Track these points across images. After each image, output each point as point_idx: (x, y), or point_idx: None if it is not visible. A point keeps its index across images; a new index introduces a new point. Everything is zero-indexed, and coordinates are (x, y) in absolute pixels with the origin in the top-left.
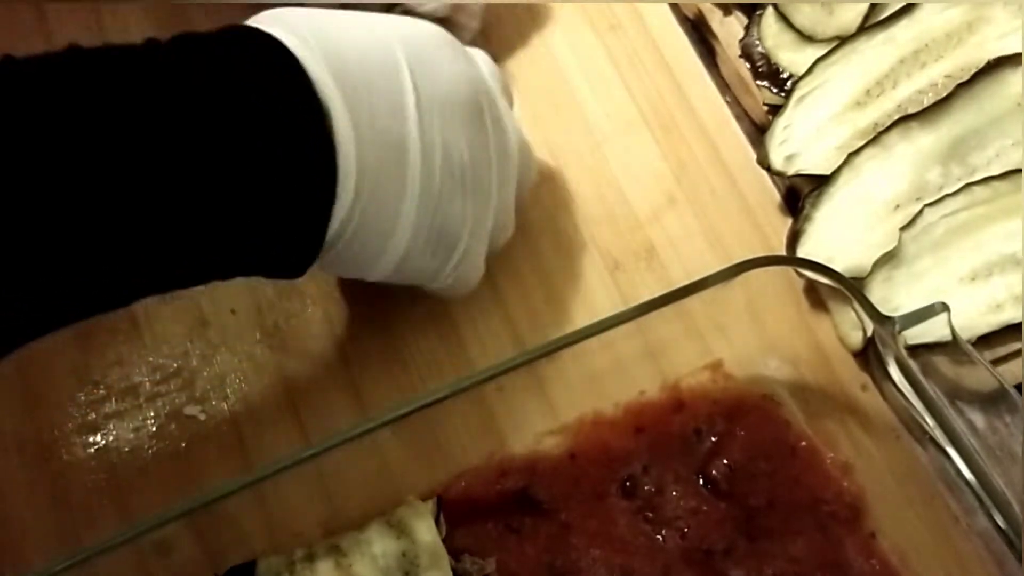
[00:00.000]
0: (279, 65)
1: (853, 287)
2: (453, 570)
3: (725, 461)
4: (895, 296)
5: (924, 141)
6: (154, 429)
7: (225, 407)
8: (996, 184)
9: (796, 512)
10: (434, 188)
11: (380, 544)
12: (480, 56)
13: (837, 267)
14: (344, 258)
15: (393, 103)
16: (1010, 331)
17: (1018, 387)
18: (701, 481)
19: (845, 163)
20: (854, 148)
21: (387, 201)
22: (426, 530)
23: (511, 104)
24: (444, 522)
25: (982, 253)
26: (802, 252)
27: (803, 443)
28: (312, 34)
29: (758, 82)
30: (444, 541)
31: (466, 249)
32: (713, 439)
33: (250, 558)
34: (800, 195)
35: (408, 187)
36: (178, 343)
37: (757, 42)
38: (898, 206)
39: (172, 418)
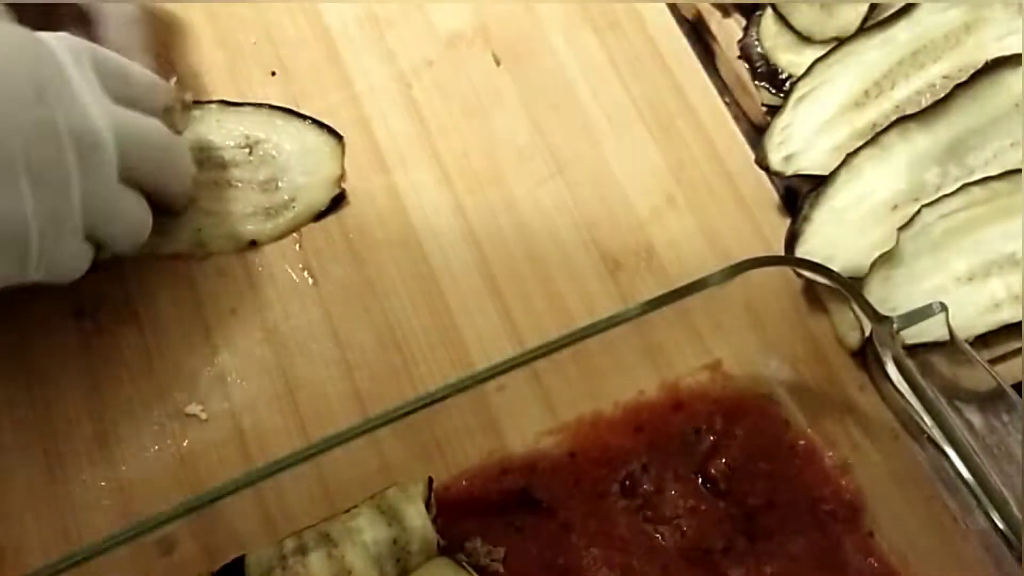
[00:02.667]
0: None
1: (851, 287)
2: (464, 552)
3: (724, 460)
4: (893, 296)
5: (922, 142)
6: (155, 428)
7: (226, 407)
8: (994, 184)
9: (795, 511)
10: None
11: (371, 532)
12: (62, 40)
13: (835, 267)
14: None
15: None
16: (1008, 331)
17: (1016, 386)
18: (700, 480)
19: (843, 163)
20: (852, 148)
21: None
22: (416, 515)
23: (146, 90)
24: (435, 504)
25: (980, 253)
26: (800, 252)
27: (802, 442)
28: None
29: (757, 83)
30: (440, 531)
31: (43, 245)
32: (712, 439)
33: None
34: (799, 195)
35: None
36: (179, 343)
37: (756, 43)
38: (896, 206)
39: (173, 417)
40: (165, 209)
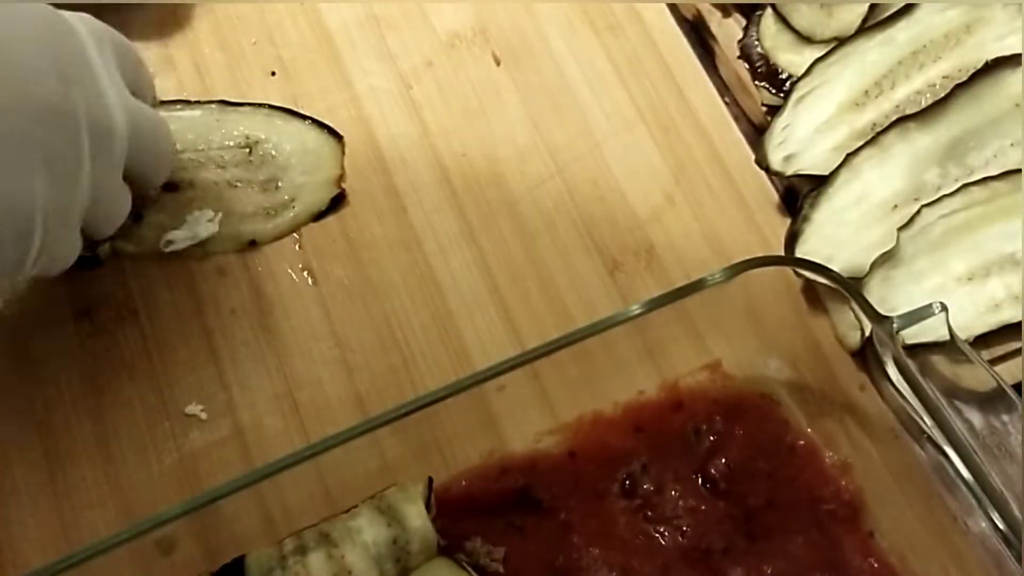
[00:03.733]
0: None
1: (851, 287)
2: (464, 552)
3: (724, 460)
4: (893, 296)
5: (922, 142)
6: (155, 428)
7: (226, 407)
8: (994, 184)
9: (795, 511)
10: None
11: (371, 532)
12: (84, 21)
13: (835, 267)
14: None
15: None
16: (1008, 331)
17: (1016, 386)
18: (700, 480)
19: (843, 163)
20: (852, 148)
21: None
22: (416, 515)
23: (147, 82)
24: (435, 504)
25: (980, 253)
26: (800, 252)
27: (802, 442)
28: None
29: (757, 83)
30: (440, 531)
31: (45, 234)
32: (712, 438)
33: None
34: (798, 195)
35: None
36: (179, 343)
37: (756, 43)
38: (896, 206)
39: (173, 417)
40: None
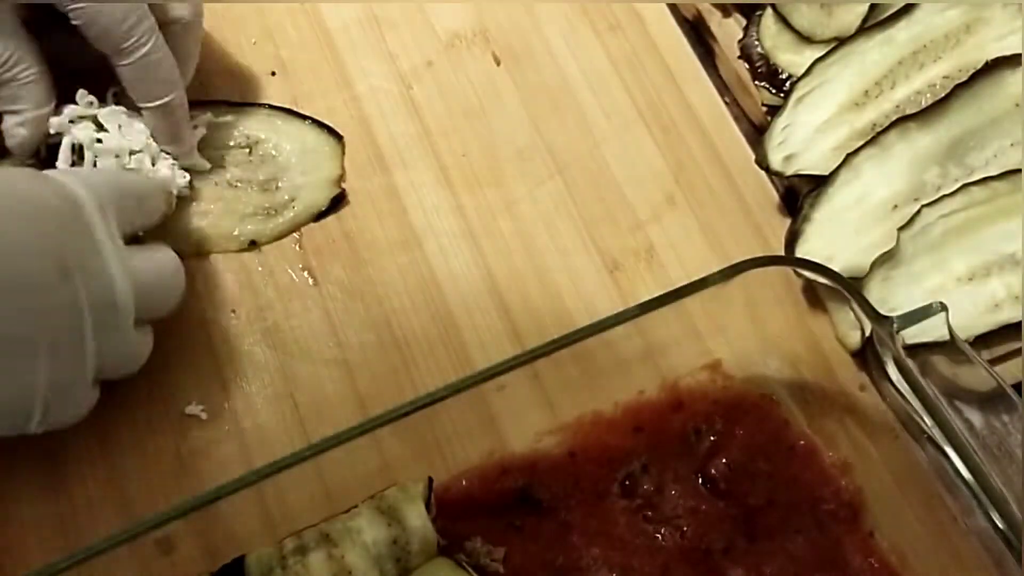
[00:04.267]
0: None
1: (851, 287)
2: (464, 552)
3: (724, 460)
4: (893, 296)
5: (922, 142)
6: (155, 428)
7: (226, 407)
8: (994, 184)
9: (795, 511)
10: None
11: (371, 532)
12: (89, 186)
13: (835, 267)
14: None
15: None
16: (1008, 331)
17: (1016, 386)
18: (700, 480)
19: (843, 163)
20: (852, 148)
21: None
22: (416, 515)
23: (153, 208)
24: (435, 504)
25: (980, 253)
26: (801, 252)
27: (802, 442)
28: None
29: (757, 83)
30: (440, 531)
31: (48, 408)
32: (712, 438)
33: None
34: (799, 195)
35: None
36: (179, 343)
37: (756, 43)
38: (896, 206)
39: (173, 417)
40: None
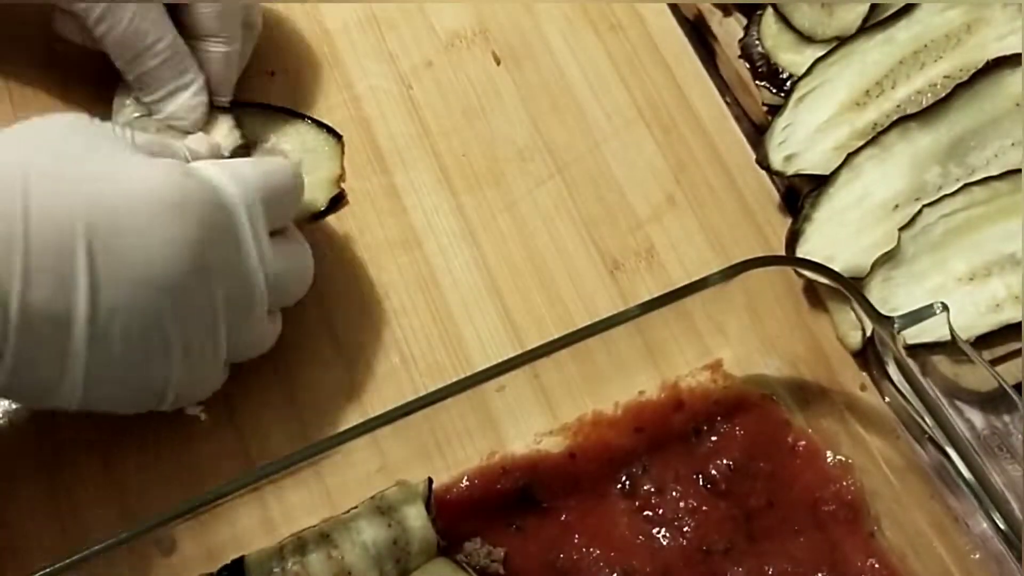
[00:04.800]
0: None
1: (852, 287)
2: (464, 552)
3: (725, 460)
4: (894, 296)
5: (923, 141)
6: (155, 428)
7: (226, 407)
8: (995, 184)
9: (795, 511)
10: (111, 355)
11: (371, 532)
12: (239, 182)
13: (836, 267)
14: (9, 397)
15: (59, 279)
16: (1009, 331)
17: (1017, 387)
18: (701, 480)
19: (844, 163)
20: (853, 148)
21: (44, 365)
22: (416, 516)
23: (295, 198)
24: (435, 504)
25: (981, 253)
26: (801, 252)
27: (802, 442)
28: None
29: (758, 82)
30: (440, 532)
31: (180, 392)
32: (713, 439)
33: None
34: (799, 195)
35: (71, 355)
36: None
37: (757, 42)
38: (897, 206)
39: (174, 418)
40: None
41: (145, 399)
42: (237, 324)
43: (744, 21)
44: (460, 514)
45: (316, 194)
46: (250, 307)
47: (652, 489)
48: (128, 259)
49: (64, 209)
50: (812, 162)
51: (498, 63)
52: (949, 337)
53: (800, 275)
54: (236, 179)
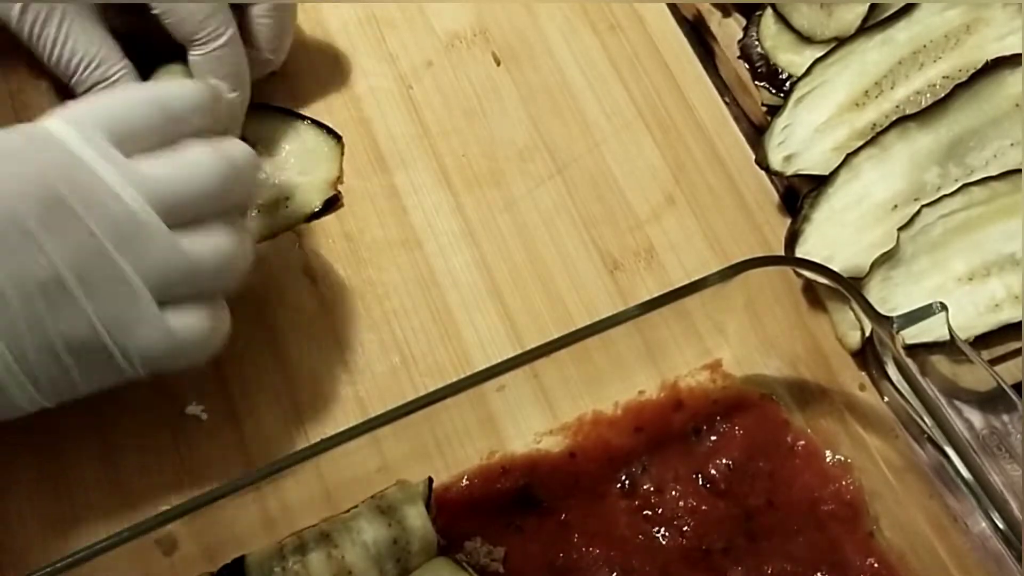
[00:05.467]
0: None
1: (851, 287)
2: (464, 552)
3: (724, 460)
4: (893, 296)
5: (922, 142)
6: (155, 428)
7: (226, 407)
8: (994, 184)
9: (795, 511)
10: (11, 316)
11: (371, 532)
12: (63, 115)
13: (835, 267)
14: None
15: None
16: (1008, 331)
17: (1016, 386)
18: (700, 480)
19: (843, 163)
20: (852, 148)
21: None
22: (416, 515)
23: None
24: (435, 504)
25: (980, 253)
26: (800, 252)
27: (802, 442)
28: None
29: (757, 83)
30: (440, 531)
31: (121, 343)
32: (712, 438)
33: None
34: (799, 195)
35: None
36: None
37: (756, 43)
38: (896, 206)
39: (174, 418)
40: None
41: (89, 358)
42: (136, 251)
43: (743, 22)
44: (460, 514)
45: (312, 195)
46: (136, 228)
47: (652, 489)
48: None
49: None
50: (811, 162)
51: (498, 63)
52: (948, 337)
53: (799, 275)
54: (66, 119)
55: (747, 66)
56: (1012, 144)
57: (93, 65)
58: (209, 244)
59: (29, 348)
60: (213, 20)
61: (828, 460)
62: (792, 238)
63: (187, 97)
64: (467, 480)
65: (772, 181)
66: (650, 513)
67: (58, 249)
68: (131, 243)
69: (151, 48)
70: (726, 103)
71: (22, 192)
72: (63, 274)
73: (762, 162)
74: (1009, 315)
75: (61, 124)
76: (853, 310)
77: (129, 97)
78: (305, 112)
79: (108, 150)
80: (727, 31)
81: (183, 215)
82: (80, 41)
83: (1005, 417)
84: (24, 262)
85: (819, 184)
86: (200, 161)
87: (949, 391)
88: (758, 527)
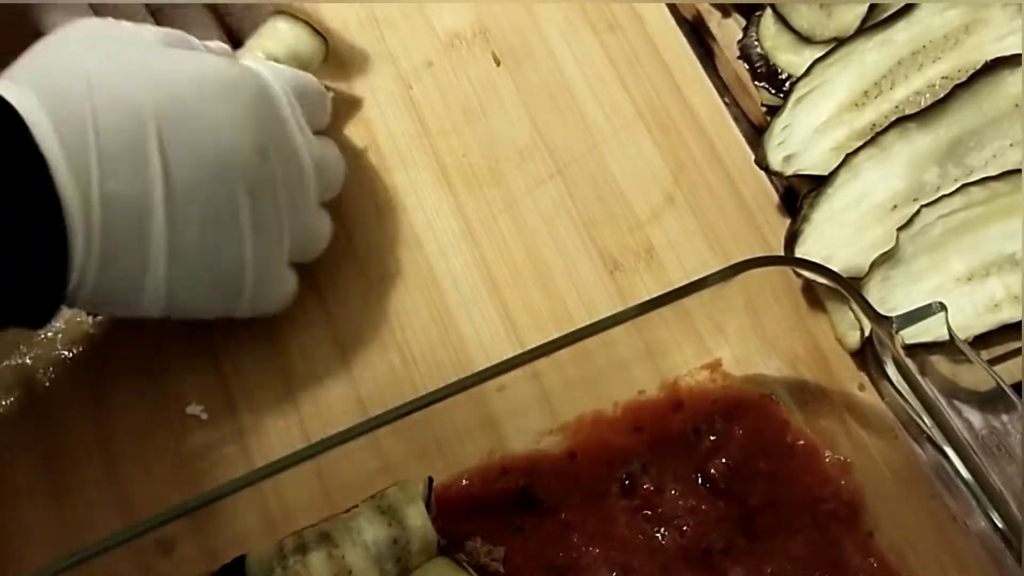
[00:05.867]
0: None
1: (851, 287)
2: (464, 552)
3: (724, 460)
4: (892, 296)
5: (922, 142)
6: (155, 428)
7: (226, 407)
8: (993, 185)
9: (794, 511)
10: (190, 241)
11: (371, 532)
12: (277, 76)
13: (835, 267)
14: (98, 303)
15: (134, 165)
16: (1008, 330)
17: (1015, 386)
18: (700, 480)
19: (843, 164)
20: (852, 149)
21: (129, 256)
22: (417, 515)
23: (322, 108)
24: (435, 504)
25: (979, 253)
26: (800, 252)
27: (801, 442)
28: (52, 94)
29: (756, 83)
30: (440, 531)
31: (256, 285)
32: (712, 438)
33: None
34: (798, 195)
35: (153, 242)
36: (179, 343)
37: (756, 43)
38: (895, 206)
39: (173, 417)
40: None
41: (222, 298)
42: (295, 214)
43: (743, 22)
44: (460, 513)
45: None
46: (305, 196)
47: (652, 488)
48: (195, 141)
49: (129, 101)
50: (811, 163)
51: (498, 63)
52: (947, 337)
53: (799, 275)
54: (272, 71)
55: (747, 66)
56: (1011, 144)
57: None
58: (326, 225)
59: (198, 265)
60: None
61: (828, 460)
62: (792, 238)
63: (322, 92)
64: (467, 480)
65: (772, 181)
66: (650, 513)
67: (249, 190)
68: (296, 205)
69: None
70: (726, 103)
71: (240, 131)
72: (241, 205)
73: (762, 162)
74: (1008, 315)
75: (272, 78)
76: (852, 310)
77: (305, 76)
78: None
79: (300, 118)
80: (727, 31)
81: (321, 191)
82: None
83: (1004, 417)
84: (260, 179)
85: (819, 184)
86: (335, 155)
87: (948, 391)
88: (758, 527)
